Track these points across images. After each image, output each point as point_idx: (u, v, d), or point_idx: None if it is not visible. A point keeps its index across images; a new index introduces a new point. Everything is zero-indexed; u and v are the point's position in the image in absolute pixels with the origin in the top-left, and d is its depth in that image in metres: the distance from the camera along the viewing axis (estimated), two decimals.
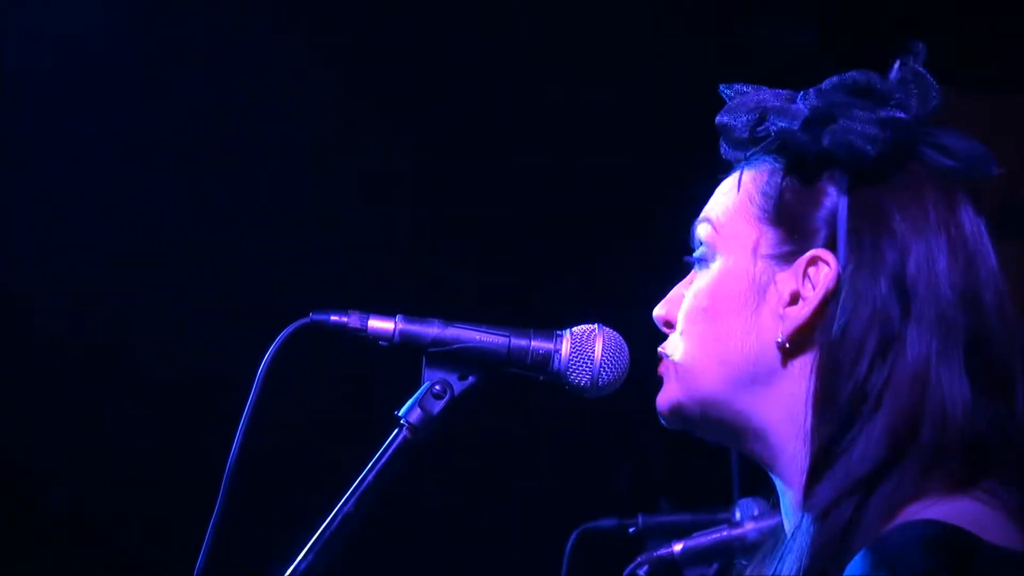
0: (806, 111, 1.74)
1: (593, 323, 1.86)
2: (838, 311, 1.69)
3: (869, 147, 1.70)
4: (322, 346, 1.85)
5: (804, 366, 1.71)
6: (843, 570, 1.56)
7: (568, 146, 4.85)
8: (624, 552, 3.42)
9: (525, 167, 4.84)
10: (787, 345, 1.71)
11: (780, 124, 1.74)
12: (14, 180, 4.57)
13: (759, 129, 1.77)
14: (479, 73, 4.81)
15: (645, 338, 1.89)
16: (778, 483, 1.77)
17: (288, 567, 1.78)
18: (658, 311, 1.84)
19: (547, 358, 1.84)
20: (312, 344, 1.84)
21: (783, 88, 1.81)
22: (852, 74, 1.77)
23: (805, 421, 1.70)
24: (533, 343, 1.85)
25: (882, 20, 4.63)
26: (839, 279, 1.70)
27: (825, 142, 1.71)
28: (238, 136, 4.67)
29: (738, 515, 3.22)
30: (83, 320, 4.60)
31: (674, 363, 1.79)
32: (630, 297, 2.26)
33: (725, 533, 3.18)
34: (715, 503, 3.52)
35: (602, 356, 1.84)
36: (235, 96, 4.67)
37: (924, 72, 1.75)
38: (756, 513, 3.17)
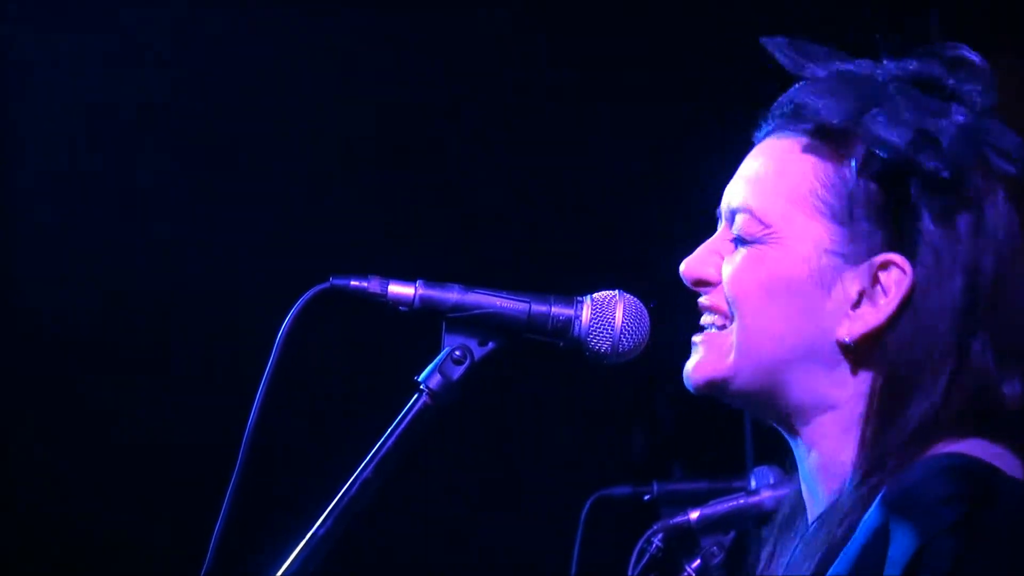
0: (910, 127, 1.70)
1: (614, 289, 1.86)
2: (917, 322, 1.69)
3: (954, 162, 1.69)
4: (342, 311, 1.85)
5: (865, 366, 1.72)
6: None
7: (591, 112, 4.84)
8: (639, 519, 3.42)
9: (548, 133, 4.82)
10: (852, 345, 1.72)
11: (886, 135, 1.70)
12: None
13: (849, 123, 1.73)
14: (499, 44, 4.80)
15: (663, 304, 1.89)
16: (801, 457, 1.78)
17: (308, 532, 1.78)
18: (691, 268, 1.81)
19: (567, 324, 1.83)
20: (332, 309, 1.83)
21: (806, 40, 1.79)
22: (914, 66, 1.75)
23: (853, 413, 1.72)
24: (553, 309, 1.84)
25: None
26: (913, 286, 1.70)
27: (927, 162, 1.69)
28: (256, 103, 4.67)
29: (754, 483, 3.22)
30: (98, 288, 4.60)
31: (728, 334, 1.77)
32: (650, 264, 2.25)
33: (742, 501, 3.18)
34: (730, 471, 3.52)
35: (623, 322, 1.83)
36: (244, 67, 4.67)
37: (982, 63, 1.74)
38: (772, 481, 3.16)
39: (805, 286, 1.73)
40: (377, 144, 4.78)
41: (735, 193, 1.81)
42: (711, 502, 3.22)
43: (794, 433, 1.78)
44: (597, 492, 3.83)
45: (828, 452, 1.74)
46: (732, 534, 3.19)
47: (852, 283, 1.72)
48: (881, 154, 1.71)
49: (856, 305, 1.72)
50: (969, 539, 1.52)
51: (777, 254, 1.75)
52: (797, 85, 1.79)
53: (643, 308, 1.85)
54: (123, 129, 4.61)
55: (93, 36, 4.56)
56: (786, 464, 1.82)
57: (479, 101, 4.80)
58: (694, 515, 3.21)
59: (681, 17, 4.73)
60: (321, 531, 1.78)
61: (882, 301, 1.70)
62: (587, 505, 3.82)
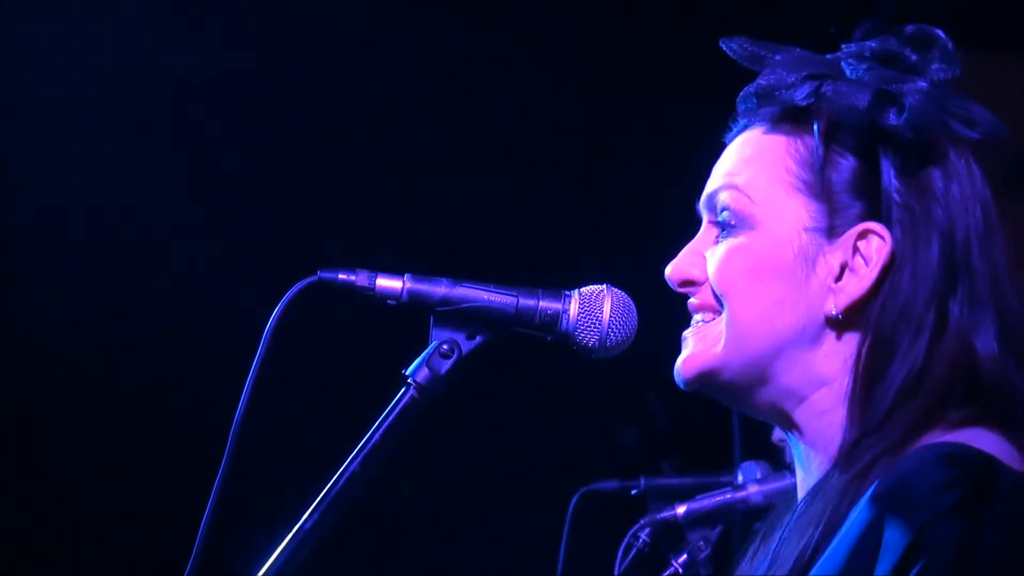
0: (869, 88, 1.72)
1: (602, 284, 1.86)
2: (898, 287, 1.70)
3: (919, 123, 1.70)
4: (330, 305, 1.85)
5: (849, 336, 1.73)
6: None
7: (580, 107, 4.84)
8: (626, 514, 3.42)
9: (539, 129, 4.82)
10: (840, 317, 1.72)
11: (846, 99, 1.72)
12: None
13: (810, 96, 1.74)
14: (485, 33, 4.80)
15: (652, 300, 1.89)
16: (795, 440, 1.78)
17: (294, 525, 1.78)
18: (676, 270, 1.82)
19: (555, 318, 1.83)
20: (320, 303, 1.83)
21: (774, 41, 1.80)
22: (872, 43, 1.76)
23: (843, 387, 1.72)
24: (541, 303, 1.84)
25: None
26: (893, 253, 1.71)
27: (891, 121, 1.70)
28: (247, 99, 4.66)
29: (741, 478, 3.22)
30: (89, 284, 4.60)
31: (719, 325, 1.77)
32: (639, 259, 2.25)
33: (728, 496, 3.19)
34: (717, 466, 3.53)
35: (610, 317, 1.83)
36: (239, 64, 4.66)
37: (943, 37, 1.75)
38: (759, 476, 3.17)
39: (790, 267, 1.74)
40: (368, 139, 4.78)
41: (715, 181, 1.82)
42: (698, 497, 3.23)
43: (787, 418, 1.78)
44: (585, 487, 3.83)
45: (822, 429, 1.74)
46: (719, 528, 3.20)
47: (834, 257, 1.73)
48: (848, 118, 1.72)
49: (839, 278, 1.73)
50: (966, 524, 1.51)
51: (760, 239, 1.75)
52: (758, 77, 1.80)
53: (631, 303, 1.85)
54: (114, 125, 4.60)
55: (86, 31, 4.56)
56: (773, 460, 1.82)
57: (468, 98, 4.80)
58: (681, 510, 3.21)
59: (668, 16, 4.74)
60: (308, 524, 1.77)
61: (863, 271, 1.72)
62: (575, 499, 3.82)
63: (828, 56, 1.79)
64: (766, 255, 1.75)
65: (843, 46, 1.80)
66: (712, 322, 1.78)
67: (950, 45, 1.76)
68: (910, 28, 1.77)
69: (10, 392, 4.56)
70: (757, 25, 1.94)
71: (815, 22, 1.86)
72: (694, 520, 3.20)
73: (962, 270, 1.71)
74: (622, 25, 4.84)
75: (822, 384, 1.74)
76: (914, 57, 1.76)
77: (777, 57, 1.78)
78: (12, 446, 4.58)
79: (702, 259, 1.80)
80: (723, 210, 1.79)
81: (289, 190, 4.73)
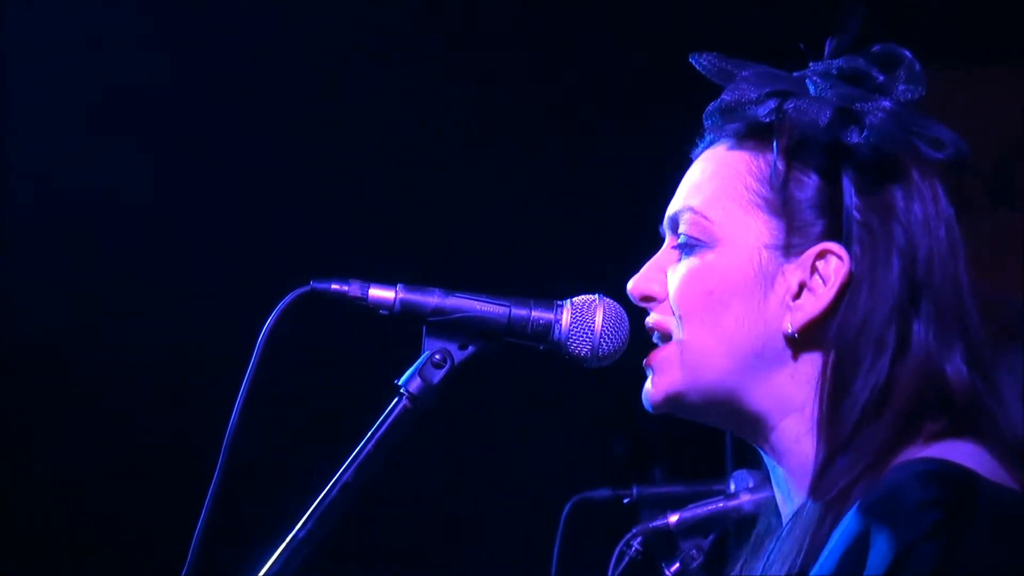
0: (831, 105, 1.72)
1: (594, 293, 1.86)
2: (856, 306, 1.70)
3: (880, 141, 1.71)
4: (323, 315, 1.85)
5: (812, 356, 1.73)
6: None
7: (572, 116, 4.85)
8: (619, 522, 3.42)
9: (531, 137, 4.83)
10: (796, 336, 1.72)
11: (807, 116, 1.72)
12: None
13: (772, 113, 1.74)
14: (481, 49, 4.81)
15: (644, 310, 1.89)
16: (772, 464, 1.78)
17: (287, 535, 1.78)
18: (637, 286, 1.82)
19: (547, 328, 1.84)
20: (313, 312, 1.84)
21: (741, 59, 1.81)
22: (839, 62, 1.77)
23: (813, 411, 1.72)
24: (534, 313, 1.84)
25: None
26: (850, 273, 1.71)
27: (852, 138, 1.71)
28: (239, 106, 4.66)
29: (733, 486, 3.23)
30: (77, 295, 4.60)
31: (677, 348, 1.77)
32: (630, 269, 2.25)
33: (721, 504, 3.19)
34: (709, 475, 3.53)
35: (602, 326, 1.84)
36: (237, 68, 4.66)
37: (909, 57, 1.76)
38: (751, 484, 3.18)
39: (749, 285, 1.74)
40: (360, 149, 4.78)
41: (675, 201, 1.82)
42: (690, 505, 3.23)
43: (762, 441, 1.78)
44: (577, 495, 3.83)
45: (798, 454, 1.74)
46: (711, 537, 3.20)
47: (793, 275, 1.73)
48: (809, 135, 1.72)
49: (797, 296, 1.73)
50: (948, 543, 1.52)
51: (721, 258, 1.76)
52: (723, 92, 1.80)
53: (623, 312, 1.86)
54: (107, 130, 4.60)
55: (78, 38, 4.56)
56: (765, 468, 1.83)
57: (461, 106, 4.81)
58: (673, 518, 3.22)
59: (657, 16, 4.75)
60: (301, 534, 1.78)
61: (820, 291, 1.72)
62: (567, 508, 3.83)
63: (795, 73, 1.80)
64: (725, 273, 1.75)
65: (811, 64, 1.80)
66: (670, 344, 1.78)
67: (917, 65, 1.76)
68: (877, 48, 1.78)
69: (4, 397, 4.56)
70: (739, 36, 1.95)
71: (788, 37, 1.87)
72: (686, 529, 3.20)
73: (924, 289, 1.71)
74: (608, 26, 4.84)
75: (792, 410, 1.74)
76: (880, 77, 1.76)
77: (744, 73, 1.78)
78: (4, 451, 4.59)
79: (663, 275, 1.81)
80: (683, 231, 1.79)
81: (284, 199, 4.73)
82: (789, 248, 1.74)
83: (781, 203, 1.74)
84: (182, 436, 3.89)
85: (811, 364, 1.73)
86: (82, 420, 4.60)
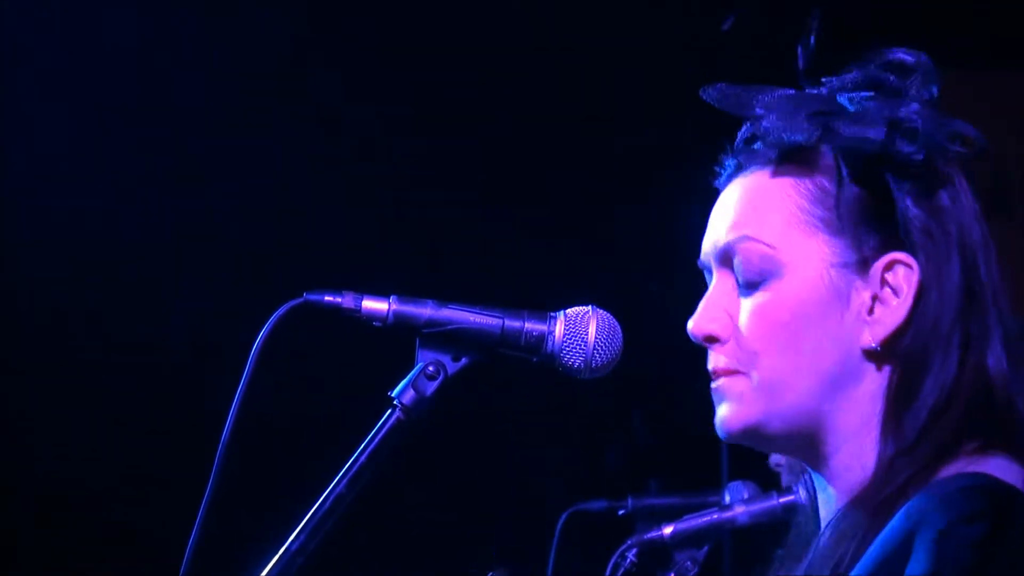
0: (881, 119, 1.72)
1: (587, 305, 1.86)
2: (927, 312, 1.71)
3: (928, 146, 1.72)
4: (316, 326, 1.85)
5: (888, 367, 1.73)
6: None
7: (568, 127, 4.85)
8: (613, 534, 3.42)
9: (524, 147, 4.84)
10: (879, 349, 1.72)
11: (861, 133, 1.72)
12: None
13: (819, 136, 1.73)
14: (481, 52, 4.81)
15: (637, 322, 1.89)
16: (827, 478, 1.76)
17: (280, 547, 1.78)
18: (699, 326, 1.77)
19: (541, 340, 1.84)
20: (306, 324, 1.84)
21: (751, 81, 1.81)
22: (855, 74, 1.77)
23: (880, 420, 1.72)
24: (527, 325, 1.84)
25: None
26: (921, 279, 1.71)
27: (904, 148, 1.71)
28: (231, 116, 4.67)
29: (728, 498, 3.23)
30: (75, 302, 4.60)
31: (755, 379, 1.74)
32: (624, 280, 2.26)
33: (715, 516, 3.19)
34: (705, 486, 3.53)
35: (596, 338, 1.83)
36: (226, 81, 4.67)
37: (913, 58, 1.76)
38: (746, 496, 3.17)
39: (825, 309, 1.72)
40: (352, 160, 4.79)
41: (721, 232, 1.78)
42: (685, 517, 3.23)
43: (829, 458, 1.75)
44: (572, 506, 3.83)
45: (847, 456, 1.74)
46: (705, 549, 3.20)
47: (864, 290, 1.72)
48: (861, 151, 1.72)
49: (871, 311, 1.72)
50: (985, 557, 1.52)
51: (791, 286, 1.73)
52: (747, 123, 1.79)
53: (616, 324, 1.85)
54: (100, 141, 4.61)
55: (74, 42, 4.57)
56: (760, 480, 1.83)
57: (453, 116, 4.81)
58: (668, 530, 3.21)
59: (654, 37, 4.76)
60: (294, 546, 1.78)
61: (894, 302, 1.71)
62: (562, 519, 3.83)
63: (812, 91, 1.79)
64: (799, 301, 1.73)
65: (823, 79, 1.79)
66: (747, 375, 1.75)
67: (929, 64, 1.77)
68: (882, 55, 1.78)
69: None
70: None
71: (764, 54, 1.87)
72: (681, 540, 3.20)
73: (976, 284, 1.73)
74: (605, 36, 4.85)
75: (866, 422, 1.73)
76: (898, 82, 1.76)
77: (765, 99, 1.77)
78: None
79: (724, 315, 1.77)
80: (742, 265, 1.76)
81: (279, 210, 4.73)
82: (855, 264, 1.72)
83: (838, 221, 1.73)
84: (176, 450, 3.88)
85: (887, 375, 1.73)
86: (81, 424, 4.60)
